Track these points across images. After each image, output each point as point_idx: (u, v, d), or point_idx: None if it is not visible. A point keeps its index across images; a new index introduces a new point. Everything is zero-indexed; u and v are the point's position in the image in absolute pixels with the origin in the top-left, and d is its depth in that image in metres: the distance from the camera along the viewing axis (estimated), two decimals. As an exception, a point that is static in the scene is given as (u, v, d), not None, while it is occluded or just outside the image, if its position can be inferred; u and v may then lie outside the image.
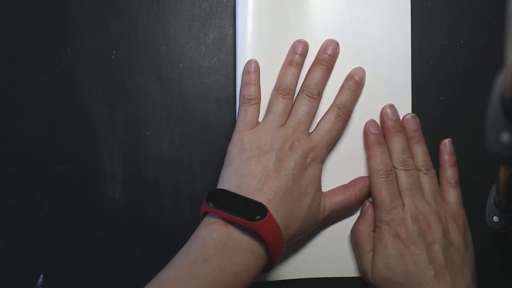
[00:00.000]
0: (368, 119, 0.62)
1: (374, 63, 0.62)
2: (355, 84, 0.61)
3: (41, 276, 0.63)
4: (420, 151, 0.61)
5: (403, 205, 0.59)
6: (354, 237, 0.60)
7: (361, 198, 0.61)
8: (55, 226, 0.63)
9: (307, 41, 0.62)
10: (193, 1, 0.63)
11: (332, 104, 0.61)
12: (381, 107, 0.62)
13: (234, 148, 0.58)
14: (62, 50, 0.63)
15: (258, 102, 0.60)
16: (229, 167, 0.58)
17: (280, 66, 0.61)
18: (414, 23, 0.63)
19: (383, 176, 0.59)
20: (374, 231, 0.60)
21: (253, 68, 0.60)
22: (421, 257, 0.56)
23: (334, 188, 0.61)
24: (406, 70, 0.63)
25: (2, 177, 0.63)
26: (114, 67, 0.63)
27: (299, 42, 0.61)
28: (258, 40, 0.62)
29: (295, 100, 0.60)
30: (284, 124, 0.59)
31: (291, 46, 0.61)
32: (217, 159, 0.63)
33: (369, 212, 0.60)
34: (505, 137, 0.34)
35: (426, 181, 0.60)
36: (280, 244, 0.53)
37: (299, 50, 0.61)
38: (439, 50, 0.63)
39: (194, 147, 0.63)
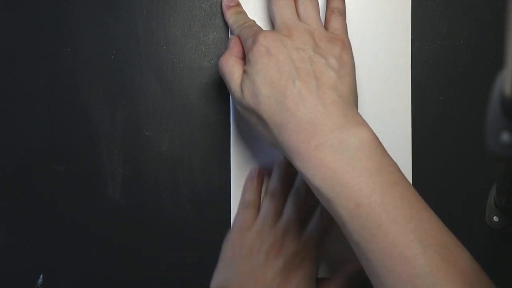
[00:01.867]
0: (368, 119, 0.62)
1: (374, 63, 0.62)
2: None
3: (41, 276, 0.63)
4: None
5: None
6: (222, 68, 0.56)
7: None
8: (55, 226, 0.63)
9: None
10: (193, 1, 0.63)
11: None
12: (381, 108, 0.62)
13: (226, 249, 0.60)
14: (62, 50, 0.63)
15: (256, 208, 0.61)
16: (221, 265, 0.60)
17: None
18: (414, 23, 0.63)
19: (241, 24, 0.58)
20: (242, 63, 0.56)
21: (254, 175, 0.61)
22: (284, 64, 0.51)
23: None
24: (406, 70, 0.63)
25: (2, 177, 0.63)
26: (114, 67, 0.63)
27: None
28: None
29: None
30: (275, 225, 0.60)
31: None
32: (217, 159, 0.63)
33: (233, 42, 0.57)
34: (505, 137, 0.34)
35: (305, 3, 0.56)
36: None
37: None
38: (439, 50, 0.63)
39: (194, 147, 0.63)
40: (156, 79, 0.63)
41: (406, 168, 0.63)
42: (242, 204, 0.61)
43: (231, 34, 0.61)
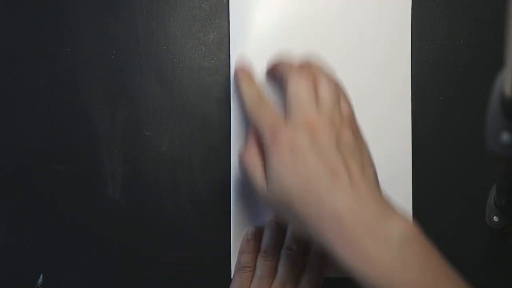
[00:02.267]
0: (368, 119, 0.62)
1: (374, 63, 0.62)
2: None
3: (41, 276, 0.63)
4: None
5: (290, 116, 0.53)
6: (244, 163, 0.56)
7: None
8: (55, 226, 0.63)
9: (306, 41, 0.62)
10: (193, 1, 0.63)
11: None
12: (381, 108, 0.62)
13: None
14: (62, 50, 0.63)
15: (252, 269, 0.61)
16: None
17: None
18: (414, 23, 0.63)
19: (256, 102, 0.57)
20: (262, 156, 0.55)
21: (250, 236, 0.61)
22: (312, 161, 0.51)
23: None
24: (406, 70, 0.63)
25: (2, 177, 0.63)
26: (114, 67, 0.63)
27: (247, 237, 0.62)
28: (254, 41, 0.62)
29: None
30: (270, 285, 0.60)
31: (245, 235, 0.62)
32: (217, 159, 0.63)
33: (252, 135, 0.56)
34: (505, 137, 0.34)
35: (324, 85, 0.55)
36: None
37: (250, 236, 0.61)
38: (439, 50, 0.63)
39: (194, 147, 0.63)
40: (156, 79, 0.63)
41: (406, 168, 0.63)
42: (238, 266, 0.61)
43: (244, 106, 0.59)
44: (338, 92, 0.55)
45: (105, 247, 0.63)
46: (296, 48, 0.62)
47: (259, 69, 0.62)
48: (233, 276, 0.62)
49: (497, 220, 0.58)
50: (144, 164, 0.63)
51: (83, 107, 0.63)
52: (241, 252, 0.62)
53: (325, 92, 0.54)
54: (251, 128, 0.57)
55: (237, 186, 0.62)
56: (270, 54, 0.62)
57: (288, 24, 0.62)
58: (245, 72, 0.61)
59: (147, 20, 0.63)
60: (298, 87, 0.54)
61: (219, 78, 0.62)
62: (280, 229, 0.61)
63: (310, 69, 0.56)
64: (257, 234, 0.62)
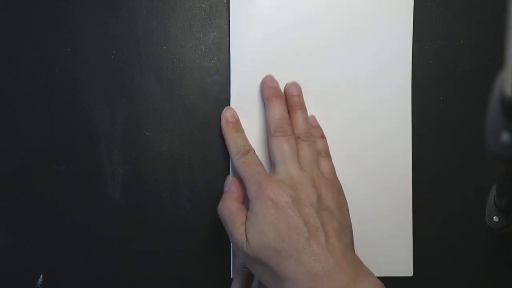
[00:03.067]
0: (367, 119, 0.62)
1: (374, 63, 0.63)
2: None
3: (41, 276, 0.63)
4: (300, 118, 0.60)
5: (275, 172, 0.58)
6: (223, 214, 0.58)
7: None
8: (55, 226, 0.63)
9: (306, 41, 0.62)
10: (193, 1, 0.63)
11: None
12: (381, 108, 0.62)
13: None
14: (62, 50, 0.63)
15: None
16: None
17: (276, 68, 0.62)
18: (414, 23, 0.63)
19: (242, 156, 0.59)
20: (243, 203, 0.59)
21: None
22: (294, 219, 0.54)
23: None
24: (406, 70, 0.63)
25: (2, 177, 0.63)
26: (114, 67, 0.63)
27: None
28: (254, 40, 0.62)
29: None
30: None
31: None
32: (217, 159, 0.63)
33: (233, 186, 0.60)
34: (505, 137, 0.34)
35: (304, 148, 0.59)
36: None
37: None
38: (439, 50, 0.63)
39: (194, 147, 0.63)
40: (156, 79, 0.63)
41: (406, 168, 0.63)
42: (237, 267, 0.62)
43: (230, 157, 0.61)
44: (315, 149, 0.60)
45: (105, 247, 0.63)
46: (296, 47, 0.62)
47: (259, 70, 0.62)
48: (233, 276, 0.62)
49: (497, 220, 0.58)
50: (144, 164, 0.63)
51: (83, 107, 0.63)
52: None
53: (304, 150, 0.59)
54: (233, 179, 0.60)
55: (237, 186, 0.62)
56: (270, 54, 0.62)
57: (288, 24, 0.62)
58: (232, 123, 0.62)
59: (147, 20, 0.63)
60: (283, 146, 0.58)
61: (219, 78, 0.62)
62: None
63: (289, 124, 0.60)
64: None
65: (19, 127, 0.63)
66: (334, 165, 0.61)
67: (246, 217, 0.57)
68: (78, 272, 0.63)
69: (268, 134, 0.60)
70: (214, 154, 0.63)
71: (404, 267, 0.63)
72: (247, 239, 0.55)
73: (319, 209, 0.55)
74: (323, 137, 0.62)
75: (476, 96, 0.63)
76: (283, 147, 0.58)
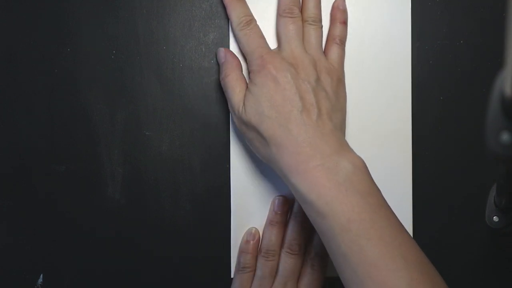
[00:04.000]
0: (367, 119, 0.62)
1: (374, 63, 0.62)
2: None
3: (41, 276, 0.63)
4: (312, 2, 0.61)
5: (279, 50, 0.59)
6: (225, 81, 0.60)
7: None
8: (55, 226, 0.63)
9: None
10: (193, 1, 0.63)
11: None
12: (381, 108, 0.62)
13: None
14: (62, 50, 0.63)
15: (252, 270, 0.61)
16: None
17: None
18: (414, 23, 0.63)
19: (244, 26, 0.60)
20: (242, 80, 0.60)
21: (250, 236, 0.62)
22: (290, 93, 0.56)
23: None
24: (406, 70, 0.63)
25: (2, 177, 0.63)
26: (114, 67, 0.63)
27: (278, 199, 0.62)
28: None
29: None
30: (271, 285, 0.61)
31: (271, 204, 0.62)
32: (217, 159, 0.63)
33: (229, 55, 0.61)
34: (505, 137, 0.34)
35: (310, 32, 0.60)
36: None
37: (279, 209, 0.62)
38: (439, 50, 0.63)
39: (194, 147, 0.63)
40: (156, 79, 0.63)
41: (406, 168, 0.63)
42: (238, 267, 0.62)
43: (232, 29, 0.61)
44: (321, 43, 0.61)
45: (105, 247, 0.63)
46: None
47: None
48: (234, 277, 0.62)
49: (497, 220, 0.58)
50: (144, 164, 0.63)
51: (83, 107, 0.63)
52: (241, 253, 0.62)
53: (309, 33, 0.60)
54: (225, 49, 0.61)
55: (237, 186, 0.62)
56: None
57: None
58: None
59: (147, 20, 0.63)
60: (288, 26, 0.59)
61: (219, 78, 0.62)
62: (281, 229, 0.61)
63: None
64: (257, 235, 0.62)
65: (19, 127, 0.63)
66: None
67: (246, 87, 0.58)
68: (78, 272, 0.63)
69: (277, 15, 0.61)
70: (214, 154, 0.63)
71: (404, 267, 0.63)
72: (243, 105, 0.57)
73: (316, 88, 0.57)
74: (344, 23, 0.62)
75: (476, 96, 0.63)
76: (288, 27, 0.59)
